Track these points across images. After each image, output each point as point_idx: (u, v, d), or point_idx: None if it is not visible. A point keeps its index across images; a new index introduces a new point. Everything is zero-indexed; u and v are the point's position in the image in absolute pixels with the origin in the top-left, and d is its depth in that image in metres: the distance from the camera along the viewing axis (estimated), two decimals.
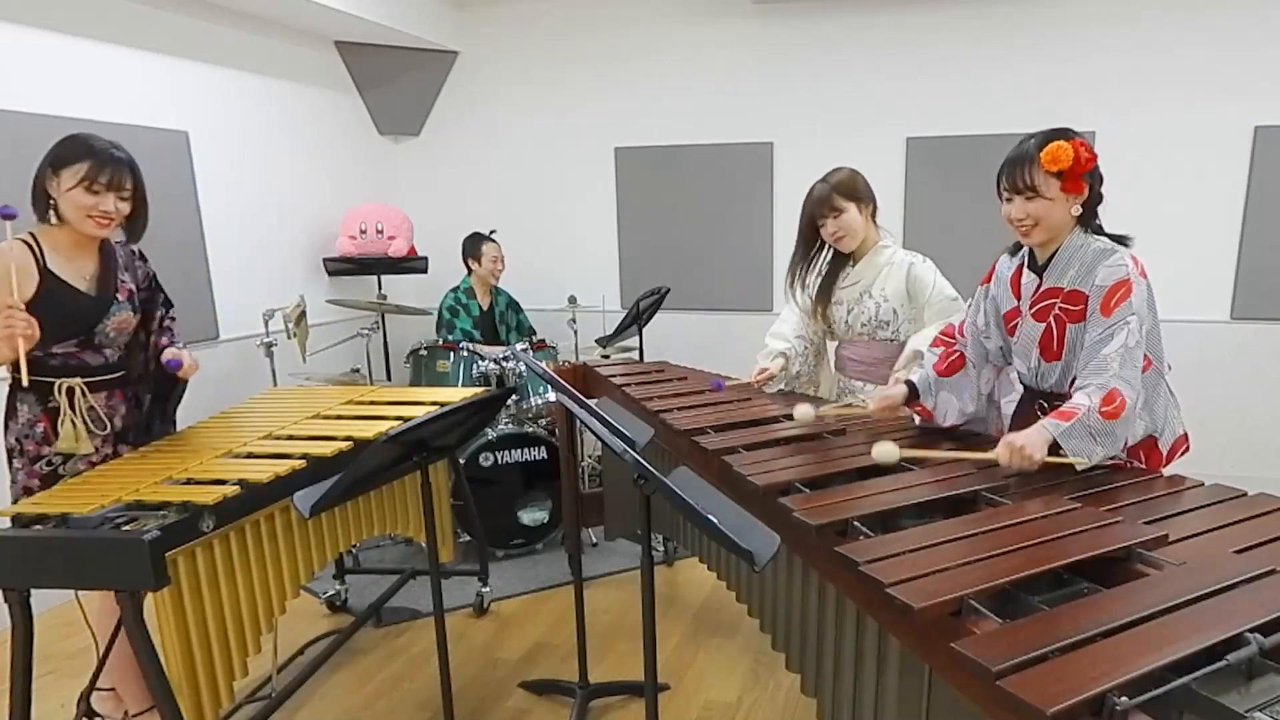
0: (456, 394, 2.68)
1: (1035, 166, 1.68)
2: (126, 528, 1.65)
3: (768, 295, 4.69)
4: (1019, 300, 1.87)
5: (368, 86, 4.85)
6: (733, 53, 4.51)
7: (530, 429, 3.67)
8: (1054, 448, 1.61)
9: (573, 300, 4.31)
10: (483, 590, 3.18)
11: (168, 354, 2.21)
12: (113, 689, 2.21)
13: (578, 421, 2.23)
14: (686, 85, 4.60)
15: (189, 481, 1.85)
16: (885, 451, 1.67)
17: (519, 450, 3.62)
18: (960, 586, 1.10)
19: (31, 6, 3.08)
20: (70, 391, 2.05)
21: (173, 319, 2.33)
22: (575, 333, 4.30)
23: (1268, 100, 3.85)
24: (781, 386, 2.58)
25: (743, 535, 1.18)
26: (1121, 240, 1.76)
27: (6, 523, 1.72)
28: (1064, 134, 1.68)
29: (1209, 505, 1.47)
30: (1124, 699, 0.85)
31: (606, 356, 3.98)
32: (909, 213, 4.33)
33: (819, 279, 2.55)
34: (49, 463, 2.06)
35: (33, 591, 1.73)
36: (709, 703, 2.56)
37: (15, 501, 1.96)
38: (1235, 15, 3.83)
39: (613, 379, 2.58)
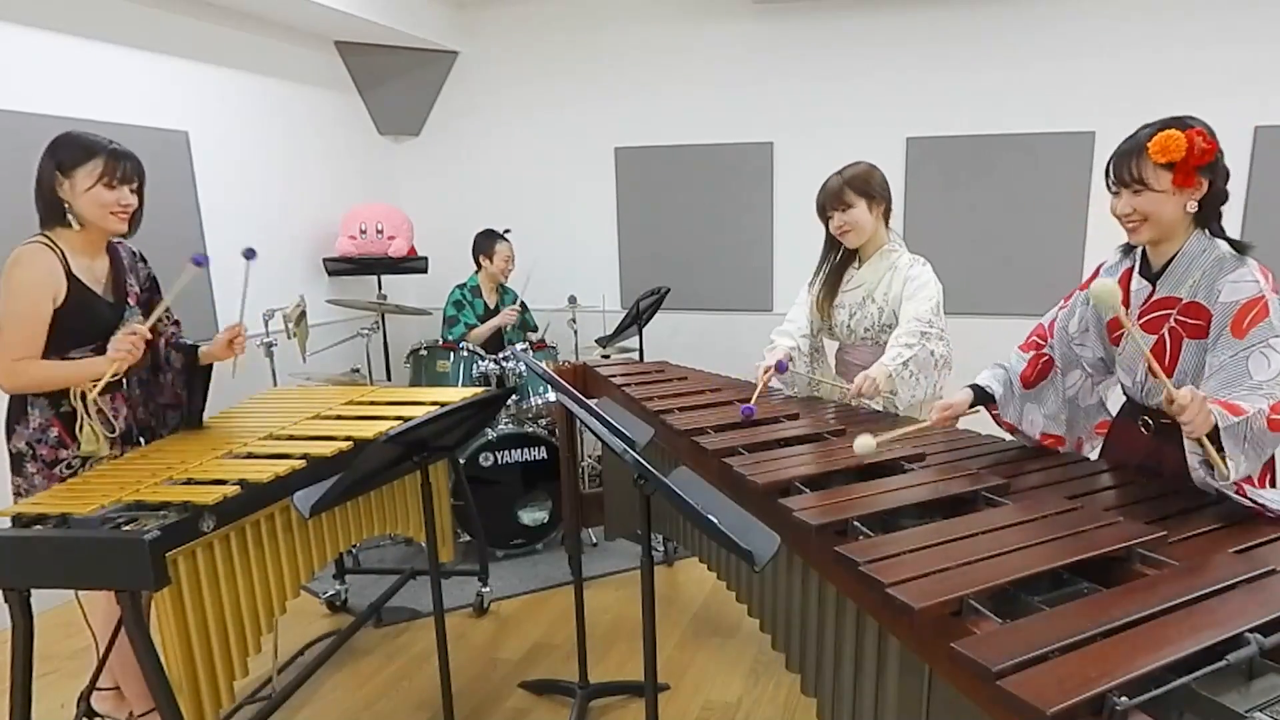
0: (456, 394, 2.68)
1: (1144, 157, 1.54)
2: (126, 528, 1.65)
3: (768, 295, 4.69)
4: (1126, 308, 1.69)
5: (368, 86, 4.85)
6: (733, 53, 4.51)
7: (530, 429, 3.67)
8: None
9: (573, 300, 4.32)
10: (483, 590, 3.18)
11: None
12: (114, 688, 2.21)
13: (578, 421, 2.23)
14: (686, 85, 4.60)
15: (189, 481, 1.85)
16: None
17: (519, 450, 3.63)
18: (960, 586, 1.10)
19: (31, 6, 3.08)
20: (83, 395, 2.06)
21: (177, 323, 2.34)
22: (575, 333, 4.31)
23: (1268, 100, 3.85)
24: (782, 389, 2.58)
25: (743, 535, 1.18)
26: (1241, 248, 1.58)
27: (7, 523, 1.72)
28: (1180, 122, 1.52)
29: (1209, 505, 1.47)
30: (1124, 699, 0.85)
31: (606, 356, 3.98)
32: (909, 213, 4.32)
33: (824, 276, 2.54)
34: (68, 465, 2.06)
35: (33, 591, 1.73)
36: (709, 703, 2.56)
37: None
38: (1234, 15, 3.83)
39: (613, 379, 2.58)
